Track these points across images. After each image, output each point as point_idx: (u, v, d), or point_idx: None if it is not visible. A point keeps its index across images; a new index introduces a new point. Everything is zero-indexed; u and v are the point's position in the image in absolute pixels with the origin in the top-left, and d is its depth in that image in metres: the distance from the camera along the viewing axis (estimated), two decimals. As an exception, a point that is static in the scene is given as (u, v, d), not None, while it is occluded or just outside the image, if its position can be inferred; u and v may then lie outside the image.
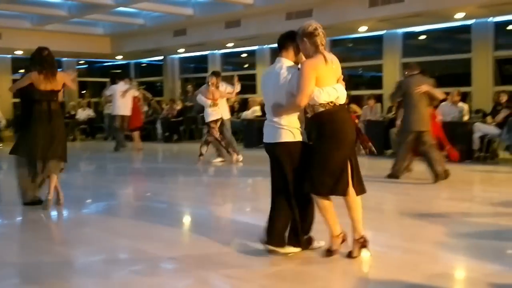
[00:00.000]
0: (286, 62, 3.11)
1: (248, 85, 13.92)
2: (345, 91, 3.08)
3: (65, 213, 4.66)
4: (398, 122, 7.64)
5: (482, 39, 9.58)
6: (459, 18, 9.37)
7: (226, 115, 7.99)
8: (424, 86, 5.72)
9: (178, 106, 12.75)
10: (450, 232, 3.68)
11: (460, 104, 8.11)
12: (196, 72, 15.63)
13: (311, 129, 3.12)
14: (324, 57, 2.98)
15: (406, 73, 6.14)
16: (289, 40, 3.12)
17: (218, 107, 7.69)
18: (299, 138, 3.09)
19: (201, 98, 7.71)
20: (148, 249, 3.36)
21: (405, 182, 5.95)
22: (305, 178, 3.04)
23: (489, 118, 7.86)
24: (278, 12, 10.52)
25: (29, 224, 4.38)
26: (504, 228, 3.83)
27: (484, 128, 7.72)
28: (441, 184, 5.97)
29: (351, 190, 3.05)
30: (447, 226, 3.85)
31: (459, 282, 2.84)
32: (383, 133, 8.61)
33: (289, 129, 3.08)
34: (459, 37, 10.40)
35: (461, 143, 7.76)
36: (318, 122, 3.04)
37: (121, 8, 11.07)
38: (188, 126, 12.51)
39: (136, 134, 10.45)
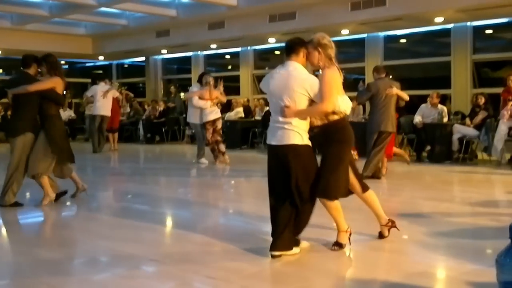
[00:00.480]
0: (299, 66, 3.18)
1: (232, 86, 13.93)
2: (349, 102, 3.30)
3: (44, 215, 4.59)
4: None
5: (461, 42, 9.80)
6: (439, 22, 9.56)
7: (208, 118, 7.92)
8: (395, 89, 5.93)
9: (161, 107, 12.67)
10: (430, 231, 3.74)
11: (440, 106, 8.27)
12: (179, 73, 15.56)
13: (320, 136, 3.19)
14: (338, 68, 3.16)
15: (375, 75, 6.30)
16: (301, 46, 3.21)
17: (216, 107, 7.67)
18: (307, 141, 3.16)
19: (198, 101, 7.58)
20: (129, 251, 3.34)
21: (386, 183, 6.05)
22: (316, 184, 3.10)
23: (467, 120, 8.02)
24: (261, 14, 10.56)
25: (5, 226, 4.31)
26: (482, 227, 3.90)
27: (463, 130, 7.89)
28: (421, 185, 6.08)
29: (359, 188, 3.29)
30: (427, 226, 3.91)
31: (438, 280, 2.89)
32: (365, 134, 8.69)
33: (298, 131, 3.11)
34: (438, 41, 10.61)
35: (441, 144, 7.93)
36: (334, 128, 3.16)
37: (103, 8, 10.97)
38: (170, 127, 12.44)
39: (114, 135, 10.42)
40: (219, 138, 7.83)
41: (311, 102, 3.12)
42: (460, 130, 7.88)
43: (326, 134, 3.17)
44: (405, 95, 6.18)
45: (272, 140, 3.19)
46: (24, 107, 4.67)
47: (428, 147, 8.06)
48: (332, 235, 3.38)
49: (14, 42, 12.62)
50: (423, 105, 8.35)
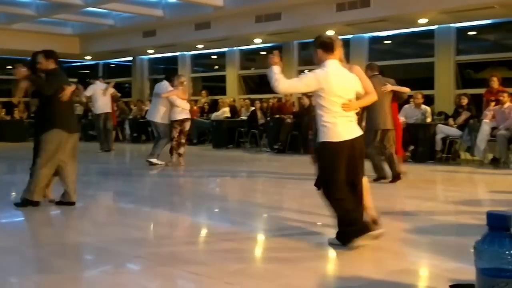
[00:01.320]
0: (337, 63, 3.34)
1: (218, 86, 13.96)
2: None
3: (30, 213, 4.56)
4: (363, 124, 7.85)
5: (444, 44, 9.96)
6: (423, 24, 9.72)
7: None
8: (389, 86, 5.91)
9: (147, 106, 12.62)
10: (413, 229, 3.79)
11: (423, 106, 8.39)
12: (165, 73, 15.50)
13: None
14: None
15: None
16: (338, 46, 3.36)
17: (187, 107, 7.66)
18: None
19: (180, 101, 7.50)
20: (115, 248, 3.34)
21: (369, 182, 6.10)
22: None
23: (451, 120, 8.15)
24: (248, 15, 10.61)
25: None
26: (465, 225, 3.95)
27: (446, 130, 8.01)
28: (404, 184, 6.17)
29: None
30: (410, 224, 3.96)
31: (421, 277, 2.92)
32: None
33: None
34: (422, 42, 10.77)
35: (424, 144, 8.05)
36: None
37: (90, 8, 10.92)
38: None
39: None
40: (183, 140, 7.71)
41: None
42: (443, 130, 8.00)
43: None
44: (404, 88, 6.10)
45: (352, 134, 3.28)
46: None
47: (412, 147, 8.17)
48: (315, 233, 3.42)
49: (1, 41, 12.48)
50: (406, 106, 8.46)
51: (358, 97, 3.36)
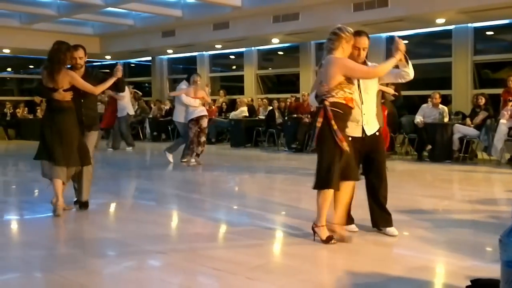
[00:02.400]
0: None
1: (236, 86, 14.09)
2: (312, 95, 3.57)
3: (52, 209, 4.71)
4: None
5: (462, 44, 9.90)
6: (440, 24, 9.67)
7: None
8: (379, 86, 6.03)
9: (167, 106, 12.85)
10: (430, 227, 3.82)
11: (441, 106, 8.38)
12: (185, 73, 15.70)
13: None
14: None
15: None
16: None
17: (201, 106, 7.76)
18: None
19: (187, 99, 7.63)
20: (136, 244, 3.42)
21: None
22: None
23: (468, 120, 8.12)
24: (265, 15, 10.69)
25: (17, 220, 4.46)
26: (481, 224, 3.98)
27: (463, 130, 8.00)
28: (422, 183, 6.20)
29: None
30: (427, 222, 3.99)
31: (439, 275, 2.96)
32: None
33: None
34: (440, 42, 10.71)
35: (441, 144, 8.04)
36: None
37: (110, 9, 11.12)
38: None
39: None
40: (203, 139, 7.78)
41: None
42: (461, 130, 7.99)
43: None
44: (389, 90, 6.23)
45: (372, 130, 3.58)
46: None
47: (429, 147, 8.17)
48: (333, 231, 3.50)
49: (22, 41, 12.79)
50: (424, 105, 8.47)
51: None
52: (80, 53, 4.37)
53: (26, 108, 13.96)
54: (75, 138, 4.25)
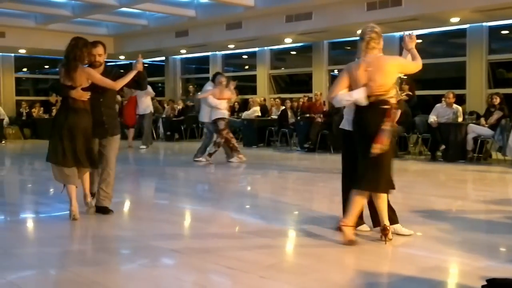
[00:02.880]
0: None
1: (249, 86, 14.12)
2: (360, 94, 3.36)
3: (66, 207, 4.78)
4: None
5: (476, 43, 9.79)
6: (455, 23, 9.58)
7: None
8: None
9: (180, 105, 12.94)
10: (444, 227, 3.80)
11: (455, 106, 8.30)
12: (197, 72, 15.81)
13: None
14: (360, 62, 3.37)
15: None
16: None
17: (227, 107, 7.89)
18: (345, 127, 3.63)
19: (214, 100, 7.68)
20: (150, 242, 3.45)
21: (400, 180, 6.13)
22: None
23: (482, 120, 8.03)
24: (278, 15, 10.70)
25: (33, 218, 4.54)
26: (496, 224, 3.96)
27: (477, 130, 7.91)
28: (436, 183, 6.16)
29: None
30: (441, 222, 3.98)
31: (453, 275, 2.94)
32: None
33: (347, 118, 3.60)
34: (454, 41, 10.61)
35: (455, 144, 7.97)
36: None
37: (124, 9, 11.23)
38: (189, 125, 12.70)
39: (131, 132, 10.77)
40: (231, 135, 8.00)
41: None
42: (475, 129, 7.91)
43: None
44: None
45: None
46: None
47: (443, 147, 8.10)
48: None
49: (38, 42, 12.99)
50: (438, 105, 8.40)
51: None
52: (99, 50, 4.09)
53: (42, 108, 14.17)
54: (86, 139, 4.02)
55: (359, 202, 3.35)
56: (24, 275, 2.88)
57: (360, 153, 3.35)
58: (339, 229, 3.43)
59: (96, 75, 4.00)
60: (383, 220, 3.37)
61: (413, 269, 2.89)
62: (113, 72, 4.23)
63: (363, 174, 3.31)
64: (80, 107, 3.97)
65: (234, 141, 8.03)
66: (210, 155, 7.89)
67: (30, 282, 2.77)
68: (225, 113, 7.81)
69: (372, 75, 3.32)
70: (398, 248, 3.37)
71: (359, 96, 3.31)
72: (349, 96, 3.36)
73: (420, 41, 11.73)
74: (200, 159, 7.96)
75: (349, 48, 12.45)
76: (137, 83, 4.30)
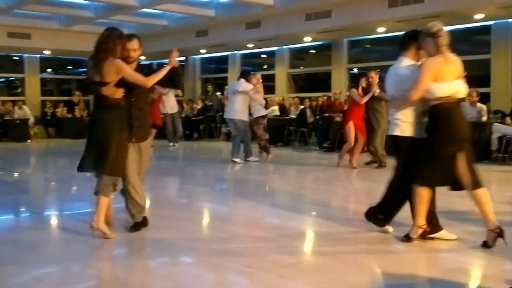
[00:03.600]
0: (406, 61, 3.39)
1: (267, 85, 14.10)
2: (463, 86, 3.29)
3: (90, 206, 4.86)
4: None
5: (501, 40, 9.53)
6: (479, 19, 9.35)
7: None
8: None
9: (199, 105, 13.03)
10: (468, 229, 3.72)
11: (479, 104, 8.11)
12: (216, 72, 15.88)
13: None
14: (445, 57, 3.21)
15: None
16: (410, 40, 3.39)
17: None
18: (408, 133, 3.31)
19: (260, 97, 7.87)
20: (170, 240, 3.49)
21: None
22: (416, 170, 3.27)
23: (508, 119, 7.83)
24: (298, 13, 10.66)
25: (56, 216, 4.64)
26: (521, 227, 3.87)
27: (502, 129, 7.71)
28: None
29: (470, 183, 3.25)
30: (465, 224, 3.89)
31: (477, 277, 2.89)
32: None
33: (400, 123, 3.33)
34: (478, 38, 10.35)
35: (479, 144, 7.78)
36: (431, 115, 3.27)
37: (145, 9, 11.37)
38: (208, 124, 12.78)
39: (153, 131, 10.89)
40: (267, 135, 8.17)
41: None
42: (500, 129, 7.71)
43: (428, 121, 3.33)
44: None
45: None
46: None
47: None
48: (365, 231, 3.46)
49: (62, 43, 13.28)
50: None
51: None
52: (134, 44, 3.60)
53: (65, 108, 14.48)
54: (118, 143, 3.47)
55: (426, 199, 3.31)
56: (49, 270, 2.95)
57: (428, 152, 3.23)
58: (421, 235, 3.37)
59: (127, 69, 3.49)
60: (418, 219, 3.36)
61: (435, 271, 2.85)
62: (145, 70, 3.75)
63: (431, 171, 3.24)
64: (113, 104, 3.48)
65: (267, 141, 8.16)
66: (268, 152, 8.02)
67: (55, 278, 2.84)
68: (262, 109, 7.98)
69: (460, 72, 3.30)
70: (420, 250, 3.31)
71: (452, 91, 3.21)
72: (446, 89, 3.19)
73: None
74: (237, 160, 7.85)
75: (369, 46, 12.30)
76: (171, 81, 3.76)
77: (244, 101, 7.71)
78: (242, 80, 7.85)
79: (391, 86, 3.47)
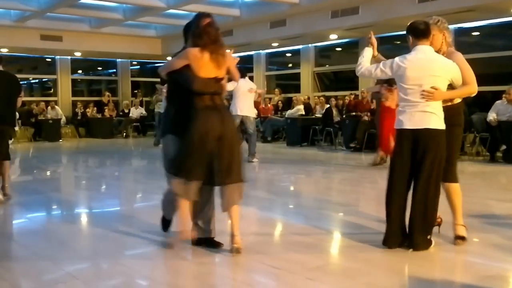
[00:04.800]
0: (432, 50, 3.20)
1: (292, 84, 14.00)
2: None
3: (119, 203, 4.94)
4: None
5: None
6: (516, 13, 8.97)
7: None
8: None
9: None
10: (505, 234, 3.57)
11: (516, 102, 7.77)
12: (240, 72, 15.86)
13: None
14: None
15: None
16: (431, 29, 3.23)
17: None
18: (443, 126, 3.17)
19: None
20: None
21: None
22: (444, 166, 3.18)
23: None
24: (324, 10, 10.51)
25: (86, 213, 4.70)
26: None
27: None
28: (496, 186, 5.79)
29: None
30: (501, 228, 3.75)
31: None
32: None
33: (439, 115, 3.15)
34: (515, 33, 9.95)
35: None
36: (456, 111, 3.26)
37: (171, 11, 11.48)
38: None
39: None
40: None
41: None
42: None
43: (448, 117, 3.17)
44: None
45: (408, 124, 3.14)
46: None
47: (504, 147, 7.62)
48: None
49: (92, 45, 13.60)
50: (498, 102, 7.89)
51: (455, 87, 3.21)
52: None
53: (95, 108, 14.81)
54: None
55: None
56: (81, 267, 3.00)
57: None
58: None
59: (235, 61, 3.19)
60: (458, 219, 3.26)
61: (470, 277, 2.73)
62: None
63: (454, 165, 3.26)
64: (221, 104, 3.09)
65: None
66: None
67: (87, 274, 2.89)
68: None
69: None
70: (454, 254, 3.18)
71: None
72: None
73: (477, 33, 11.14)
74: (255, 159, 7.88)
75: (398, 42, 12.00)
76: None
77: (251, 99, 7.97)
78: (247, 78, 8.04)
79: (426, 74, 3.13)
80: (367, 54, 3.39)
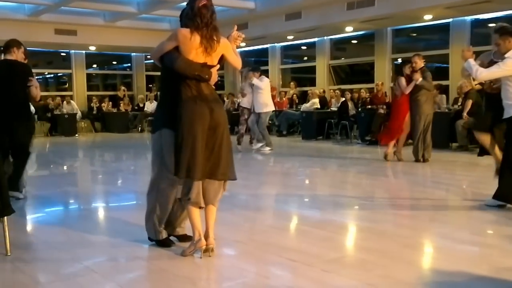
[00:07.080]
0: None
1: (307, 77, 13.93)
2: None
3: (135, 198, 4.98)
4: (465, 114, 7.49)
5: None
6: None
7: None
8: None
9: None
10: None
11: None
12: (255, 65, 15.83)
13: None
14: None
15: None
16: None
17: None
18: None
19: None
20: (215, 232, 3.40)
21: (470, 175, 5.75)
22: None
23: None
24: (339, 2, 10.41)
25: (103, 208, 4.76)
26: None
27: None
28: None
29: None
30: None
31: None
32: (448, 125, 8.32)
33: None
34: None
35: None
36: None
37: (185, 3, 11.49)
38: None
39: None
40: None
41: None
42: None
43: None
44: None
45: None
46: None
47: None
48: (411, 226, 3.31)
49: (107, 38, 13.68)
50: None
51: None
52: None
53: (110, 102, 14.94)
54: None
55: None
56: (99, 260, 3.04)
57: None
58: None
59: (233, 47, 2.99)
60: None
61: (486, 268, 2.71)
62: None
63: None
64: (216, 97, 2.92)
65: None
66: (239, 143, 8.72)
67: (105, 267, 2.91)
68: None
69: None
70: (470, 246, 3.16)
71: None
72: None
73: (493, 25, 10.96)
74: (266, 148, 8.55)
75: (414, 35, 11.85)
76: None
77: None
78: (256, 76, 8.56)
79: None
80: (473, 62, 3.86)
